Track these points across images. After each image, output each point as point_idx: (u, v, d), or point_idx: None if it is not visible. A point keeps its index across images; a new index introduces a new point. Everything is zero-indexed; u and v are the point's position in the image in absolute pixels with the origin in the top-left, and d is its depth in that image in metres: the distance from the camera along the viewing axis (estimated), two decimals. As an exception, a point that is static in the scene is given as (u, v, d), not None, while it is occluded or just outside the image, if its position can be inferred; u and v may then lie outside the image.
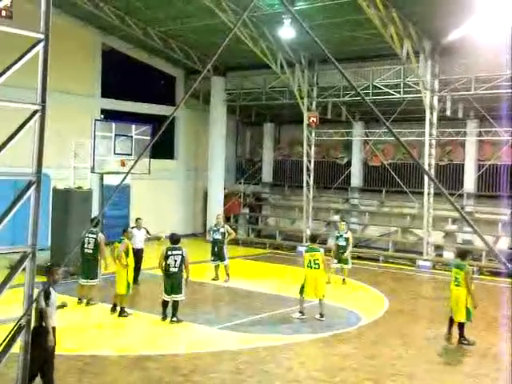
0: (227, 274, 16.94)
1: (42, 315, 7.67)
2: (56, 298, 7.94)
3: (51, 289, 7.91)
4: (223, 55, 21.81)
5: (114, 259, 13.35)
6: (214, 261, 17.15)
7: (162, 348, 11.01)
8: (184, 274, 12.58)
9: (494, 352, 11.22)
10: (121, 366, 10.05)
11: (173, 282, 12.54)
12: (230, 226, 18.93)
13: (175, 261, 12.47)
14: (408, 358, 10.78)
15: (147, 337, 11.79)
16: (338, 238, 17.30)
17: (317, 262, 13.00)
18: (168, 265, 12.50)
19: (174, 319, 12.48)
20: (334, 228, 24.93)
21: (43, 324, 7.67)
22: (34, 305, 7.61)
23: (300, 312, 13.16)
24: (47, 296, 7.79)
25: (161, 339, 11.65)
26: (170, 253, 12.56)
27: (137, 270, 14.94)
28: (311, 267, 13.03)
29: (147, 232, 16.47)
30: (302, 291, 13.13)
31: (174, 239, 12.88)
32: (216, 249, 16.99)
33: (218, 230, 17.15)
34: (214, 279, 17.06)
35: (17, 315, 5.61)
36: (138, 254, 15.25)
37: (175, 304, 12.53)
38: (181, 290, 12.50)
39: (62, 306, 8.18)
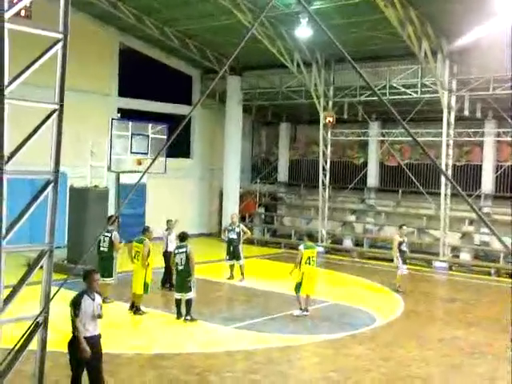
0: (242, 274, 16.97)
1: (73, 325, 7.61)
2: (93, 305, 7.67)
3: (86, 296, 7.68)
4: (240, 55, 21.75)
5: (130, 258, 13.39)
6: (229, 260, 17.18)
7: (177, 347, 11.05)
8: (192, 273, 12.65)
9: (510, 355, 11.09)
10: (136, 365, 10.10)
11: (181, 279, 12.64)
12: (246, 226, 18.95)
13: (181, 259, 12.61)
14: (423, 360, 10.72)
15: (162, 335, 11.83)
16: (401, 243, 16.35)
17: (313, 258, 13.27)
18: (176, 264, 12.69)
19: (188, 318, 12.53)
20: (349, 228, 24.92)
21: (75, 334, 7.60)
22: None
23: (301, 309, 13.20)
24: (76, 305, 7.60)
25: (175, 338, 11.69)
26: (176, 251, 12.82)
27: (170, 272, 14.80)
28: (309, 264, 13.19)
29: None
30: (298, 289, 13.21)
31: (181, 237, 13.05)
32: (231, 248, 17.02)
33: (234, 229, 17.17)
34: (229, 278, 17.09)
35: (34, 313, 5.66)
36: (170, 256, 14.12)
37: (187, 302, 12.59)
38: (189, 288, 12.53)
39: (99, 315, 7.83)
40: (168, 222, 16.10)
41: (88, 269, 8.40)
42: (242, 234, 17.21)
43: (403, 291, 15.99)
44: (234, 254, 16.99)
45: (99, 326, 7.88)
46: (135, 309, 13.03)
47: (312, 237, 14.27)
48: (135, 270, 13.23)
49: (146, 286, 13.06)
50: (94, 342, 7.74)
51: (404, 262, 16.33)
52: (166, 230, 15.85)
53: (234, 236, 17.08)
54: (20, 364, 5.66)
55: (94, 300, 7.74)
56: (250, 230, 20.27)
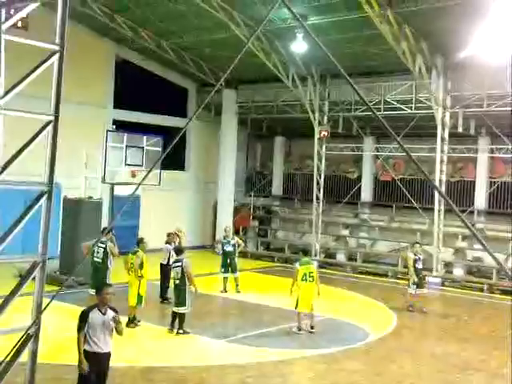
0: (237, 285, 16.96)
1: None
2: (102, 319, 7.44)
3: (96, 309, 7.49)
4: (235, 68, 21.83)
5: (126, 270, 13.35)
6: (225, 272, 17.11)
7: (169, 360, 10.98)
8: (190, 287, 12.54)
9: (504, 371, 11.09)
10: (128, 378, 10.02)
11: (177, 294, 12.64)
12: (240, 238, 18.97)
13: (177, 273, 12.60)
14: (415, 376, 10.69)
15: (155, 348, 11.76)
16: (416, 261, 15.84)
17: (311, 275, 13.11)
18: (173, 277, 12.72)
19: (180, 331, 12.48)
20: (343, 242, 24.93)
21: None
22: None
23: (298, 328, 13.06)
24: (82, 317, 7.44)
25: (168, 351, 11.62)
26: (173, 265, 12.85)
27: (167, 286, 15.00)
28: (306, 280, 13.04)
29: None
30: (296, 305, 13.08)
31: (176, 251, 13.14)
32: (228, 261, 17.00)
33: (229, 242, 17.18)
34: (222, 291, 16.99)
35: (26, 324, 5.61)
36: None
37: (180, 316, 12.54)
38: (184, 302, 12.48)
39: (117, 330, 7.62)
40: (170, 234, 15.95)
41: (102, 283, 8.25)
42: (237, 246, 17.25)
43: (413, 310, 15.67)
44: (230, 267, 16.96)
45: (111, 344, 7.67)
46: (128, 320, 12.94)
47: (306, 253, 14.18)
48: (130, 282, 13.22)
49: (139, 297, 13.03)
50: (103, 359, 7.54)
51: (416, 282, 15.68)
52: (167, 243, 15.68)
53: (231, 248, 17.10)
54: (10, 376, 5.61)
55: (104, 314, 7.51)
56: (244, 243, 20.28)
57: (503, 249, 20.33)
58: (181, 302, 12.50)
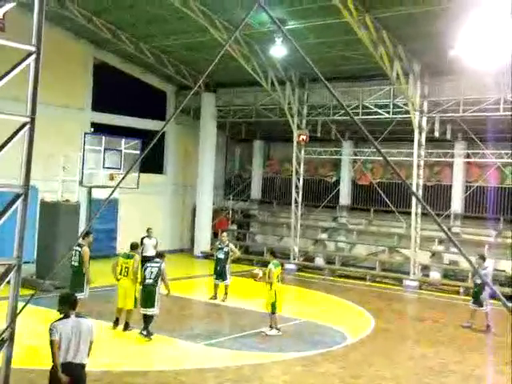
0: (226, 293, 16.68)
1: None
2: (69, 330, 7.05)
3: (69, 319, 7.12)
4: (214, 72, 21.91)
5: (115, 275, 13.19)
6: (216, 279, 16.90)
7: (147, 364, 10.92)
8: (160, 288, 12.49)
9: (478, 373, 11.23)
10: (105, 382, 9.94)
11: (146, 294, 12.45)
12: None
13: (151, 272, 12.44)
14: (393, 379, 10.75)
15: (132, 352, 11.69)
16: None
17: (280, 276, 13.44)
18: (144, 276, 12.54)
19: (144, 332, 12.25)
20: (321, 246, 25.03)
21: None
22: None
23: (277, 329, 13.13)
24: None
25: (146, 355, 11.55)
26: (148, 264, 12.70)
27: None
28: (279, 282, 13.27)
29: (156, 243, 18.39)
30: (275, 308, 13.15)
31: (157, 254, 13.07)
32: (218, 268, 16.75)
33: (222, 248, 16.88)
34: (211, 298, 16.74)
35: (0, 329, 5.55)
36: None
37: (148, 317, 12.33)
38: (153, 303, 12.33)
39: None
40: (148, 229, 18.37)
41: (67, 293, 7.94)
42: (230, 253, 16.90)
43: (490, 330, 14.23)
44: (220, 274, 16.65)
45: None
46: (125, 324, 12.87)
47: (275, 254, 14.49)
48: (124, 286, 12.99)
49: (135, 300, 12.93)
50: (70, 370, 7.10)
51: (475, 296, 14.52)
52: (144, 237, 17.91)
53: (222, 256, 16.79)
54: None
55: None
56: (239, 252, 20.11)
57: (478, 252, 20.56)
58: (150, 302, 12.33)
